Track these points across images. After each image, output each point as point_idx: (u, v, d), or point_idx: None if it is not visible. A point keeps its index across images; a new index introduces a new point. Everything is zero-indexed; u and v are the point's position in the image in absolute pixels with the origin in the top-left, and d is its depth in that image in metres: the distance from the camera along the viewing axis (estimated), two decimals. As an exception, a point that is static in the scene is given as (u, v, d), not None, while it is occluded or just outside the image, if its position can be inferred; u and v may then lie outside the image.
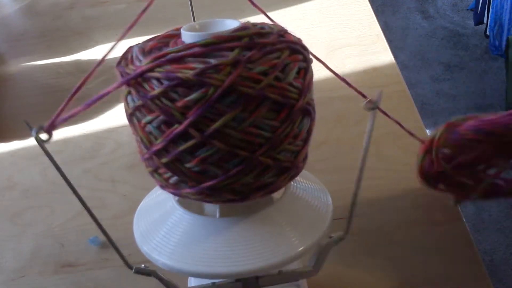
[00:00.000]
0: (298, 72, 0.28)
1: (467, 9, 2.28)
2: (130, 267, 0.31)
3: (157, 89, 0.26)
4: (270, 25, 0.30)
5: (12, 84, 0.77)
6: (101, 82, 0.66)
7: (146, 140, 0.28)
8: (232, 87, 0.25)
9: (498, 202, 1.42)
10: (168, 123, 0.27)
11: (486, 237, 1.36)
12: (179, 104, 0.26)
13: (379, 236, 0.46)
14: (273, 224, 0.31)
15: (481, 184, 0.37)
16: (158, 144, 0.27)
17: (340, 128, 0.59)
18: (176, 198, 0.33)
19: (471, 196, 0.38)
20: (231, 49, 0.26)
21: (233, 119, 0.26)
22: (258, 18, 0.33)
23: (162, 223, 0.32)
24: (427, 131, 0.57)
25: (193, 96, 0.26)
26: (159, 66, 0.26)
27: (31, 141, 0.63)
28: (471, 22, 2.13)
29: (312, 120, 0.30)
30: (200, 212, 0.33)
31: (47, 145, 0.26)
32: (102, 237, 0.46)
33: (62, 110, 0.26)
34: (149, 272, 0.32)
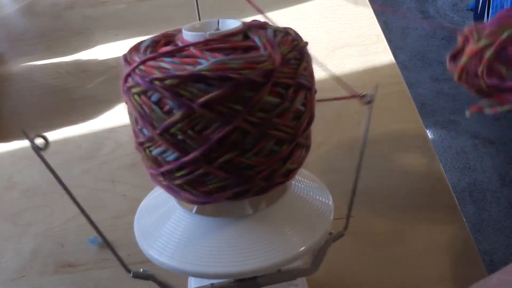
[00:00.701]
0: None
1: (467, 9, 2.28)
2: (128, 271, 0.31)
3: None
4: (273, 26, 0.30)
5: (12, 84, 0.76)
6: (101, 82, 0.66)
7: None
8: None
9: (498, 202, 1.42)
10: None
11: (486, 237, 1.36)
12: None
13: (379, 236, 0.47)
14: (274, 223, 0.31)
15: None
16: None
17: (340, 128, 0.59)
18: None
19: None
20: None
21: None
22: (258, 18, 0.33)
23: (163, 223, 0.32)
24: (427, 131, 0.57)
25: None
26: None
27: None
28: (471, 22, 2.12)
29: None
30: (201, 212, 0.33)
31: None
32: (102, 237, 0.46)
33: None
34: (147, 276, 0.32)
